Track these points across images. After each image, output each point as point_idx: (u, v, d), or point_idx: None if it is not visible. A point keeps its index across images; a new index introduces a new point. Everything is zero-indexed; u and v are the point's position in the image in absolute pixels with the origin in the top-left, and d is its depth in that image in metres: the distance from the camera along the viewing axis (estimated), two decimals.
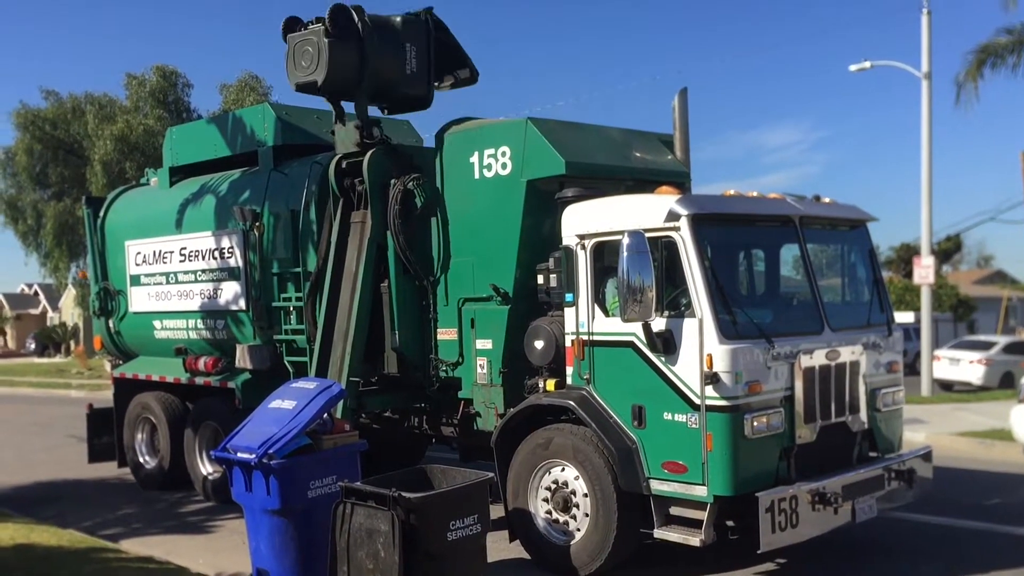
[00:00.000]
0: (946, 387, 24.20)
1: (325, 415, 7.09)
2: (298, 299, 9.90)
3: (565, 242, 7.71)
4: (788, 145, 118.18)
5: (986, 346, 25.38)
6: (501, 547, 7.82)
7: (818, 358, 7.35)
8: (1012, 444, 12.85)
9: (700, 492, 6.82)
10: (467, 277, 8.66)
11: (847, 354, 7.63)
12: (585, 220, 7.58)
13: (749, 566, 7.64)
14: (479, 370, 8.57)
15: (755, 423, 6.80)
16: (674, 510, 7.08)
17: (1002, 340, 26.42)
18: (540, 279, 8.16)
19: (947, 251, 56.03)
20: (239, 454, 6.76)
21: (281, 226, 10.07)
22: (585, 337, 7.50)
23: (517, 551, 7.93)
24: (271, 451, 6.57)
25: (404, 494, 5.66)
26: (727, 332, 6.81)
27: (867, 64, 23.06)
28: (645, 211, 7.20)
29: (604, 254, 7.52)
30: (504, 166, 8.32)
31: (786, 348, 7.10)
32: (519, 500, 7.83)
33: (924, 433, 14.30)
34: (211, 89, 61.23)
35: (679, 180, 8.94)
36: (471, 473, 6.40)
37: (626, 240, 6.79)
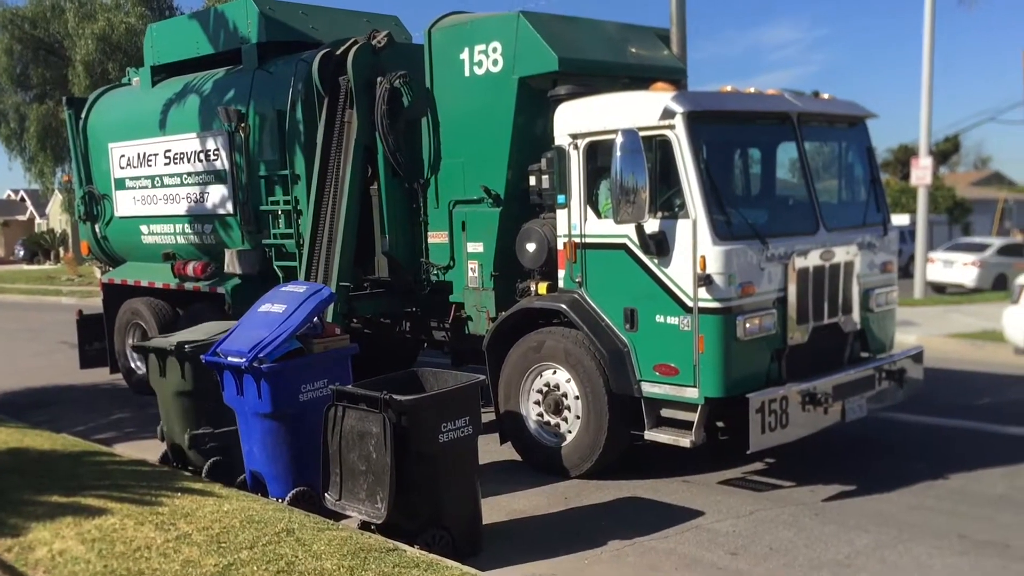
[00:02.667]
0: (939, 289, 24.22)
1: (315, 319, 7.01)
2: (286, 202, 9.74)
3: (557, 142, 7.53)
4: (787, 44, 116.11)
5: (980, 248, 25.35)
6: (492, 449, 7.88)
7: (812, 259, 7.26)
8: (1003, 345, 12.90)
9: (691, 394, 6.81)
10: (458, 179, 8.49)
11: (841, 254, 7.53)
12: (578, 119, 7.38)
13: (738, 466, 7.70)
14: (470, 273, 8.48)
15: (747, 325, 6.74)
16: (664, 412, 7.09)
17: (996, 242, 26.36)
18: (532, 180, 8.01)
19: (945, 152, 55.68)
20: (229, 358, 6.70)
21: (267, 127, 9.85)
22: (577, 240, 7.39)
23: (507, 453, 7.99)
24: (261, 355, 6.50)
25: (395, 396, 5.67)
26: (721, 233, 6.69)
27: None
28: (639, 109, 7.00)
29: (597, 154, 7.34)
30: (495, 63, 8.07)
31: (780, 249, 7.00)
32: (511, 403, 7.84)
33: (915, 335, 14.33)
34: None
35: (675, 77, 8.73)
36: (463, 376, 6.37)
37: (619, 139, 6.62)
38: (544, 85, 7.97)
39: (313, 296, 6.96)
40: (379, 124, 8.67)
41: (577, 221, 7.38)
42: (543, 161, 7.81)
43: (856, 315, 7.74)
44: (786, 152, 7.92)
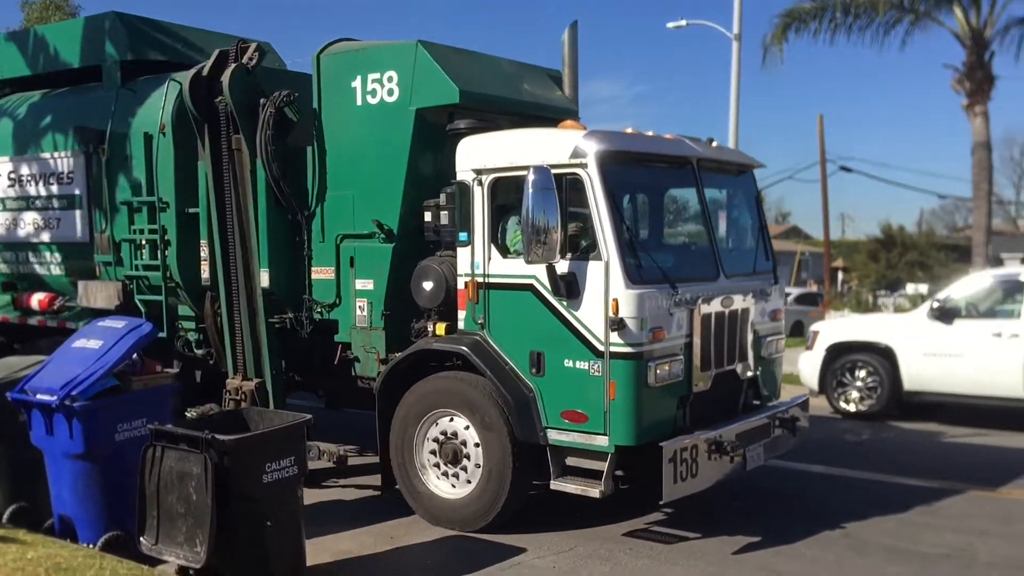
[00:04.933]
0: None
1: (135, 355, 6.61)
2: (152, 231, 8.98)
3: (460, 177, 7.20)
4: (610, 98, 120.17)
5: None
6: (316, 492, 7.61)
7: (715, 305, 7.18)
8: (799, 387, 13.13)
9: (601, 442, 6.56)
10: (346, 212, 8.02)
11: (739, 301, 7.51)
12: (483, 154, 7.09)
13: (638, 516, 7.50)
14: (358, 312, 7.99)
15: (658, 371, 6.57)
16: (570, 460, 6.80)
17: (794, 291, 28.39)
18: (428, 216, 7.64)
19: None
20: (38, 396, 6.21)
21: (131, 150, 9.09)
22: (480, 279, 7.06)
23: (336, 493, 7.81)
24: (74, 392, 6.07)
25: (217, 436, 5.45)
26: (633, 276, 6.51)
27: (683, 22, 23.66)
28: (549, 146, 6.78)
29: (503, 191, 7.07)
30: (391, 92, 7.69)
31: (687, 295, 6.89)
32: (404, 451, 7.37)
33: None
34: (11, 7, 56.08)
35: (568, 118, 8.59)
36: (288, 415, 6.16)
37: (531, 176, 6.37)
38: (441, 118, 7.66)
39: (133, 332, 6.60)
40: (261, 150, 8.10)
41: (480, 260, 7.06)
42: (442, 196, 7.46)
43: (751, 362, 7.73)
44: (687, 198, 7.89)
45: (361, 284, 7.97)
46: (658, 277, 6.73)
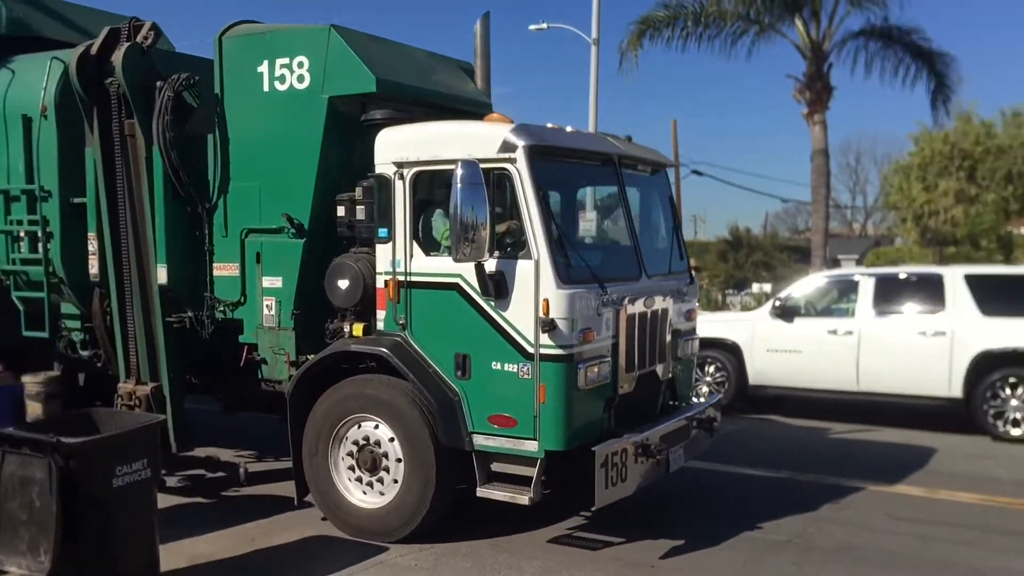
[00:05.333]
0: None
1: None
2: (32, 223, 8.27)
3: (379, 170, 6.86)
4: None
5: None
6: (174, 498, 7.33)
7: (639, 305, 7.07)
8: None
9: (531, 447, 6.34)
10: (252, 205, 7.55)
11: (659, 302, 7.41)
12: (405, 146, 6.76)
13: (557, 522, 7.33)
14: (266, 311, 7.54)
15: (588, 373, 6.39)
16: (496, 466, 6.56)
17: None
18: (341, 211, 7.27)
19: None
20: None
21: (8, 133, 8.34)
22: (401, 278, 6.73)
23: (248, 508, 7.18)
24: None
25: (63, 439, 5.22)
26: (563, 276, 6.30)
27: (544, 25, 23.95)
28: (476, 139, 6.50)
29: (425, 185, 6.78)
30: (301, 79, 7.27)
31: (614, 295, 6.74)
32: (318, 458, 6.99)
33: None
34: None
35: (483, 111, 8.33)
36: (141, 416, 6.03)
37: (459, 170, 6.09)
38: (354, 108, 7.31)
39: None
40: (159, 137, 7.53)
41: (401, 257, 6.73)
42: (357, 190, 7.10)
43: (670, 363, 7.65)
44: (609, 195, 7.75)
45: (269, 282, 7.52)
46: (587, 277, 6.54)
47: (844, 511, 7.92)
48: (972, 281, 11.37)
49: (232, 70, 7.58)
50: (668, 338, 7.60)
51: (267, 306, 7.54)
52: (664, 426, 7.13)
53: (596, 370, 6.48)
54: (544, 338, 6.24)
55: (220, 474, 8.32)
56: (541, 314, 6.21)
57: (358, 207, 7.09)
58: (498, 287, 6.33)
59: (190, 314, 7.79)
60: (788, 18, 22.46)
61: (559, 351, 6.23)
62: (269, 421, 8.19)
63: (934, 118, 23.54)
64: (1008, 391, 10.86)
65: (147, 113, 7.60)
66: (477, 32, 8.45)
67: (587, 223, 8.06)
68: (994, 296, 11.25)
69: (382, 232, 6.82)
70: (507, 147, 6.34)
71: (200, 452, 8.36)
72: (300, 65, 7.27)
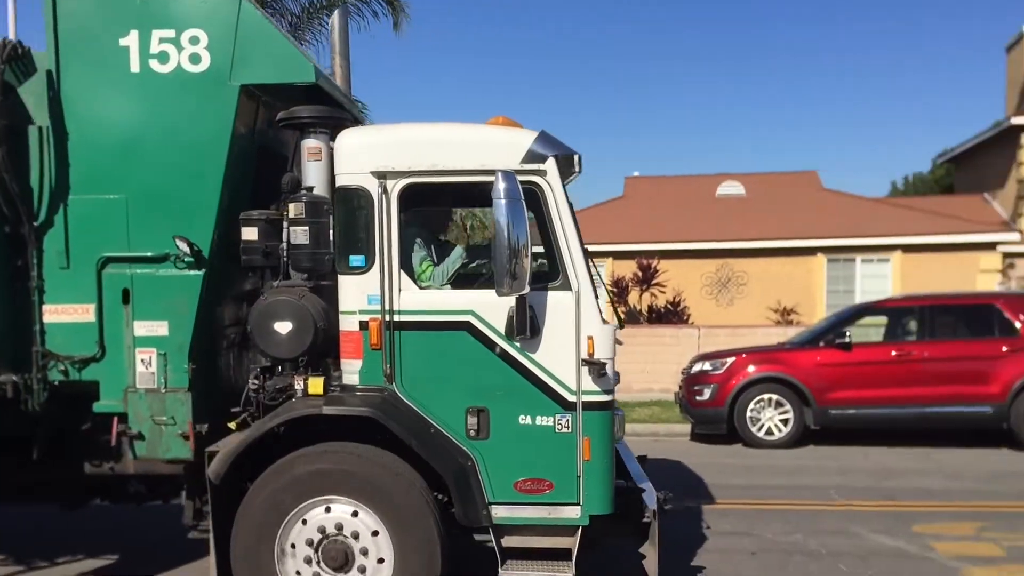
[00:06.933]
0: None
1: None
2: None
3: (347, 182, 5.35)
4: None
5: None
6: None
7: None
8: None
9: (571, 513, 5.30)
10: (114, 224, 5.57)
11: None
12: (389, 152, 5.33)
13: None
14: (140, 368, 5.57)
15: (618, 421, 5.54)
16: (518, 540, 5.38)
17: None
18: (250, 234, 5.60)
19: None
20: None
21: None
22: (386, 317, 5.30)
23: None
24: None
25: None
26: (599, 310, 5.39)
27: None
28: (493, 147, 5.30)
29: (418, 201, 5.43)
30: (195, 59, 5.50)
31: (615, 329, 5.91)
32: (261, 561, 5.24)
33: None
34: None
35: (357, 112, 7.06)
36: None
37: (502, 184, 4.93)
38: (277, 102, 5.80)
39: None
40: None
41: (387, 292, 5.30)
42: (292, 207, 5.49)
43: None
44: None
45: (145, 328, 5.58)
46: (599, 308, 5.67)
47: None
48: None
49: (75, 39, 5.55)
50: None
51: (143, 360, 5.57)
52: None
53: (621, 416, 5.64)
54: (588, 383, 5.27)
55: None
56: (585, 355, 5.24)
57: (295, 229, 5.47)
58: (532, 325, 5.22)
59: (12, 377, 5.50)
60: None
61: (603, 397, 5.30)
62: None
63: None
64: None
65: None
66: (334, 25, 7.11)
67: None
68: None
69: (355, 260, 5.32)
70: (535, 157, 5.26)
71: None
72: (193, 41, 5.50)
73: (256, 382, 5.57)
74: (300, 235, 5.46)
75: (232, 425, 5.58)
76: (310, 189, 5.55)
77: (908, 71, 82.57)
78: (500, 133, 5.43)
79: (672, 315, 19.68)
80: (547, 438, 5.28)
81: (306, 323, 5.39)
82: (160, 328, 5.56)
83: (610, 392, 5.33)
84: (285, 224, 5.54)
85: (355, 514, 5.23)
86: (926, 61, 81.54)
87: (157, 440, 5.57)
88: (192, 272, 5.52)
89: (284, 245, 5.55)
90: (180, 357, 5.55)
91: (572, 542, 5.33)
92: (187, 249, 5.43)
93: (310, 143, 5.65)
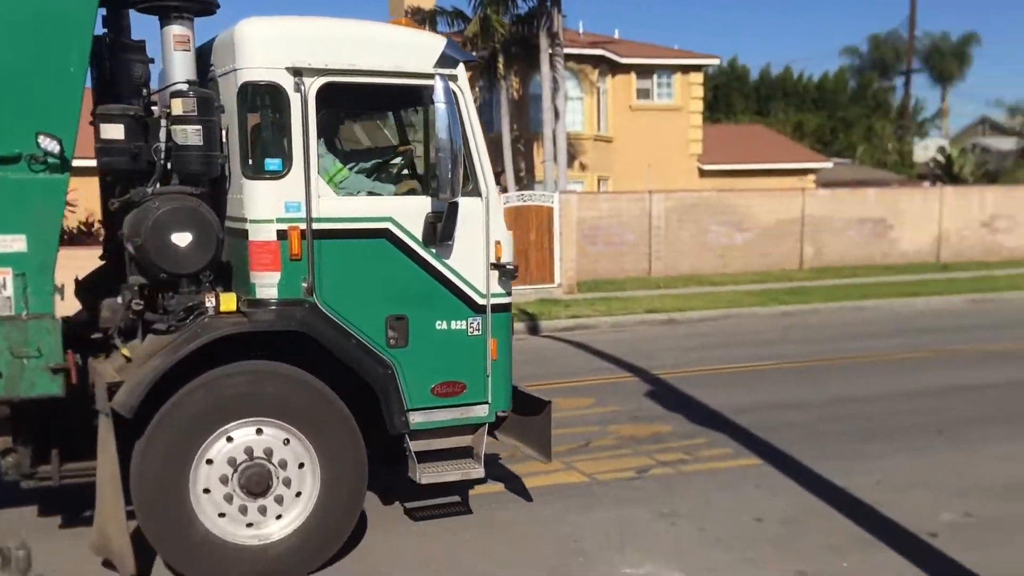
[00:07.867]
0: None
1: None
2: None
3: (257, 77, 4.87)
4: None
5: None
6: None
7: None
8: None
9: (480, 412, 5.51)
10: None
11: None
12: (303, 47, 4.90)
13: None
14: None
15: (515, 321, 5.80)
16: (416, 444, 5.41)
17: None
18: (116, 133, 4.92)
19: None
20: None
21: None
22: (304, 225, 4.95)
23: None
24: None
25: None
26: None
27: None
28: (408, 48, 5.18)
29: (332, 102, 5.08)
30: None
31: None
32: (170, 493, 4.75)
33: None
34: None
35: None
36: None
37: (440, 86, 4.89)
38: None
39: None
40: None
41: (303, 198, 4.94)
42: (177, 102, 4.85)
43: None
44: None
45: None
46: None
47: None
48: None
49: None
50: None
51: None
52: None
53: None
54: (495, 286, 5.47)
55: None
56: (494, 259, 5.42)
57: (183, 128, 4.84)
58: (445, 231, 5.24)
59: None
60: None
61: (507, 299, 5.56)
62: None
63: None
64: None
65: None
66: None
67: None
68: None
69: (271, 164, 4.89)
70: (447, 61, 5.22)
71: None
72: None
73: (139, 303, 4.89)
74: (191, 135, 4.86)
75: (125, 352, 4.86)
76: (191, 83, 4.94)
77: None
78: (415, 35, 5.33)
79: None
80: (461, 342, 5.41)
81: (209, 233, 4.87)
82: (16, 243, 4.63)
83: (510, 294, 5.57)
84: (164, 122, 4.90)
85: (286, 442, 4.94)
86: None
87: (18, 376, 4.67)
88: (55, 176, 4.65)
89: (161, 146, 4.91)
90: (43, 277, 4.68)
91: (475, 440, 5.56)
92: (56, 149, 4.56)
93: (177, 30, 5.01)
